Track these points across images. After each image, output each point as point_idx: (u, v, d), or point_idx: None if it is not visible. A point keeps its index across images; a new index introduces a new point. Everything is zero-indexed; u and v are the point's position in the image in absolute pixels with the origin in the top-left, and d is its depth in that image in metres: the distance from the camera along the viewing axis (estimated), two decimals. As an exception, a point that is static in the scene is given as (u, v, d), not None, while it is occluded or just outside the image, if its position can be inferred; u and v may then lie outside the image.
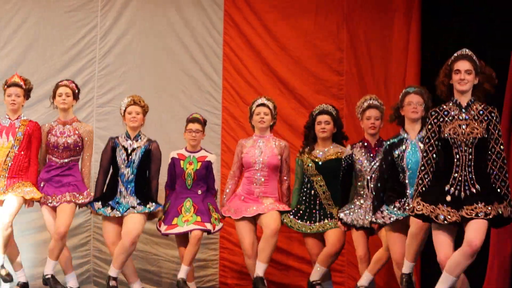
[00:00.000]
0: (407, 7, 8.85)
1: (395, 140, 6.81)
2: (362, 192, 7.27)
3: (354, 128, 8.51)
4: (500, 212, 5.79)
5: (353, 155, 7.34)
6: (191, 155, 7.84)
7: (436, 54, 8.26)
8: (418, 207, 5.94)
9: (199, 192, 7.77)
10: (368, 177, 7.21)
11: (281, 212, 7.60)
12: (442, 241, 5.91)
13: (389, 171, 6.79)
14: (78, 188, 7.60)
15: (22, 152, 7.59)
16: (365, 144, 7.34)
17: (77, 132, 7.68)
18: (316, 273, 7.46)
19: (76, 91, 7.75)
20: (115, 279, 7.49)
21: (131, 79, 8.97)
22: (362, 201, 7.24)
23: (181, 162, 7.80)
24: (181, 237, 7.74)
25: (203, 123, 7.90)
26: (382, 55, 8.91)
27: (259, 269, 7.43)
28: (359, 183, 7.31)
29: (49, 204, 7.54)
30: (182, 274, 7.57)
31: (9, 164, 7.54)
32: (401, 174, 6.73)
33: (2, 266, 7.41)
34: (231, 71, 9.06)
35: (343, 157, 7.42)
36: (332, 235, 7.42)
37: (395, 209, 6.66)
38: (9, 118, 7.64)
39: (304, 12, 9.09)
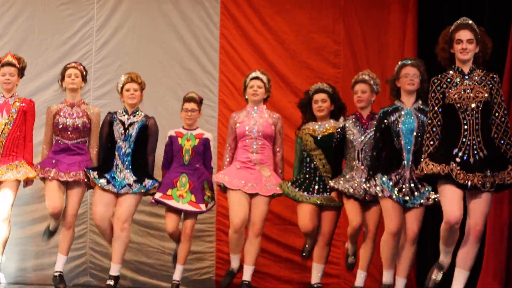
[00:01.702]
0: (404, 0, 8.85)
1: (389, 108, 6.84)
2: (353, 164, 7.28)
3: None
4: (506, 181, 5.85)
5: (346, 127, 7.37)
6: (188, 132, 7.88)
7: (432, 46, 8.24)
8: (428, 166, 5.92)
9: (197, 165, 7.79)
10: (359, 149, 7.24)
11: (275, 195, 7.59)
12: (452, 197, 5.85)
13: (384, 138, 6.76)
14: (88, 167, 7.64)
15: (17, 129, 7.60)
16: (357, 116, 7.39)
17: (86, 113, 7.71)
18: (316, 273, 7.48)
19: (84, 73, 7.81)
20: (115, 278, 7.51)
21: (127, 71, 8.94)
22: (353, 173, 7.25)
23: (179, 139, 7.84)
24: (171, 208, 7.73)
25: (199, 102, 7.95)
26: (378, 48, 8.92)
27: (247, 273, 7.49)
28: (350, 155, 7.32)
29: (61, 179, 7.52)
30: (177, 275, 7.66)
31: (4, 142, 7.54)
32: (395, 140, 6.70)
33: None
34: (227, 64, 9.05)
35: (336, 129, 7.45)
36: (326, 220, 7.43)
37: (391, 183, 6.63)
38: (3, 97, 7.66)
39: (301, 5, 9.09)
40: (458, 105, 5.94)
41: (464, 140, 5.90)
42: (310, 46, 9.04)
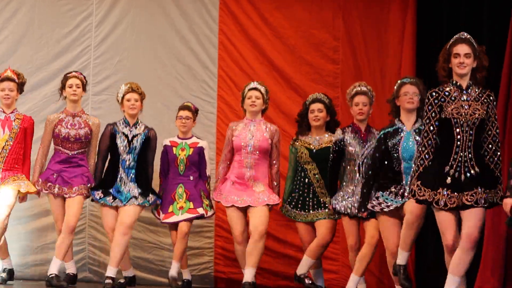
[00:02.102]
0: (403, -4, 8.87)
1: (390, 129, 6.81)
2: (353, 177, 7.28)
3: (349, 116, 8.43)
4: (495, 200, 5.88)
5: (345, 140, 7.36)
6: (183, 142, 7.92)
7: (432, 42, 8.26)
8: (420, 192, 5.96)
9: (191, 178, 7.86)
10: (360, 162, 7.22)
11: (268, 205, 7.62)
12: (446, 222, 5.91)
13: (383, 160, 6.78)
14: (89, 180, 7.69)
15: (18, 145, 7.63)
16: (355, 129, 7.37)
17: (87, 124, 7.72)
18: (304, 265, 7.49)
19: (85, 82, 7.82)
20: (112, 278, 7.54)
21: (126, 67, 8.97)
22: (353, 187, 7.26)
23: (174, 148, 7.89)
24: (173, 224, 7.87)
25: (194, 111, 7.99)
26: (377, 44, 8.90)
27: (248, 274, 7.47)
28: (348, 168, 7.32)
29: (65, 196, 7.56)
30: (173, 271, 7.72)
31: (5, 157, 7.56)
32: (395, 164, 6.73)
33: None
34: (226, 60, 9.04)
35: (333, 141, 7.43)
36: (322, 226, 7.44)
37: (392, 195, 6.66)
38: (3, 112, 7.65)
39: (300, 0, 9.07)
40: (455, 120, 5.94)
41: (455, 156, 5.91)
42: (309, 42, 9.03)
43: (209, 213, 7.86)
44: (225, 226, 8.69)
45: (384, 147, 6.77)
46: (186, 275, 7.97)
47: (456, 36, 6.06)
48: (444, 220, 5.92)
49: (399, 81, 6.92)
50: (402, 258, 6.54)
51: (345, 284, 8.49)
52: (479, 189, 5.84)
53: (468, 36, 6.04)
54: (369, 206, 6.78)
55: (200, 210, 7.77)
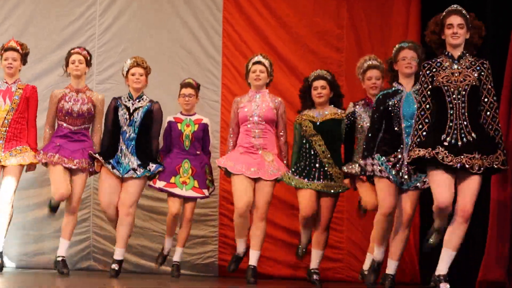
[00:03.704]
0: (408, -16, 8.83)
1: (389, 90, 6.80)
2: None
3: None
4: (494, 165, 5.89)
5: (356, 112, 7.37)
6: (187, 118, 7.96)
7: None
8: (414, 152, 5.97)
9: (198, 152, 7.89)
10: (364, 141, 7.20)
11: (278, 180, 7.61)
12: (440, 181, 5.92)
13: (382, 121, 6.75)
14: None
15: (20, 115, 7.63)
16: (368, 102, 7.37)
17: (91, 99, 7.72)
18: (314, 260, 7.49)
19: (89, 58, 7.81)
20: (119, 262, 7.59)
21: (131, 55, 8.82)
22: None
23: (178, 124, 7.93)
24: (174, 195, 7.83)
25: (196, 87, 8.02)
26: (381, 32, 8.88)
27: (253, 258, 7.52)
28: (361, 140, 7.29)
29: (64, 165, 7.55)
30: (177, 256, 7.83)
31: (7, 127, 7.58)
32: (395, 123, 6.69)
33: (0, 254, 7.50)
34: (230, 48, 9.04)
35: (345, 114, 7.45)
36: (323, 207, 7.42)
37: (389, 164, 6.61)
38: (6, 82, 7.68)
39: (304, -12, 9.07)
40: (445, 88, 6.00)
41: (450, 124, 5.96)
42: (314, 30, 9.02)
43: (210, 189, 7.92)
44: (229, 215, 8.70)
45: (383, 107, 6.73)
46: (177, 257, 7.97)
47: (449, 8, 6.15)
48: (439, 179, 5.92)
49: (397, 45, 6.91)
50: (392, 268, 6.70)
51: (349, 272, 8.53)
52: (476, 155, 5.87)
53: (460, 8, 6.12)
54: (361, 162, 6.74)
55: (206, 192, 7.83)
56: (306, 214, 7.40)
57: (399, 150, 6.64)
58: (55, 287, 6.48)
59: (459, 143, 5.91)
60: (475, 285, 7.11)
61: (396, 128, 6.69)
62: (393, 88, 6.80)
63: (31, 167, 7.68)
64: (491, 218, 7.35)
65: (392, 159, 6.65)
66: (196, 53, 9.03)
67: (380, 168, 6.64)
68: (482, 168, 5.87)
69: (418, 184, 6.68)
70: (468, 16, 6.10)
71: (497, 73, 7.33)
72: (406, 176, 6.61)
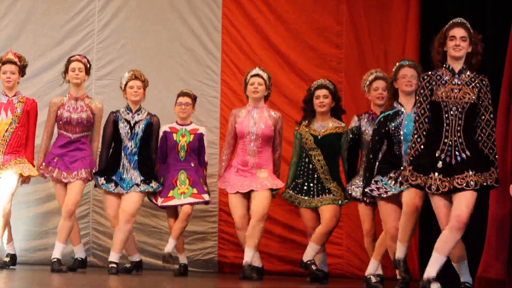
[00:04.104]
0: (407, -19, 8.82)
1: (390, 112, 6.77)
2: None
3: (353, 100, 8.53)
4: (488, 183, 5.89)
5: (361, 127, 7.37)
6: (183, 128, 7.94)
7: (435, 27, 8.21)
8: (412, 177, 5.99)
9: (192, 164, 7.89)
10: (365, 163, 7.19)
11: (273, 190, 7.67)
12: (441, 207, 5.95)
13: (383, 143, 6.74)
14: (90, 164, 7.70)
15: (21, 128, 7.65)
16: (371, 116, 7.37)
17: (90, 108, 7.73)
18: (310, 252, 7.49)
19: (88, 66, 7.81)
20: (115, 263, 7.62)
21: (130, 52, 8.97)
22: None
23: (174, 135, 7.90)
24: (172, 209, 7.92)
25: (193, 98, 8.01)
26: (381, 29, 8.87)
27: (248, 256, 7.51)
28: (365, 155, 7.29)
29: (64, 180, 7.59)
30: (169, 247, 7.77)
31: (8, 140, 7.59)
32: (396, 147, 6.70)
33: None
34: (230, 44, 9.03)
35: (350, 128, 7.44)
36: (326, 212, 7.42)
37: (391, 181, 6.62)
38: (6, 96, 7.67)
39: (303, -16, 9.06)
40: (444, 103, 5.97)
41: (445, 140, 5.94)
42: (313, 27, 9.00)
43: (206, 197, 7.88)
44: (228, 211, 8.69)
45: (384, 130, 6.73)
46: (183, 259, 7.97)
47: (453, 20, 6.11)
48: (439, 205, 5.96)
49: (397, 64, 6.91)
50: (401, 251, 6.55)
51: (349, 268, 8.54)
52: (470, 172, 5.86)
53: (464, 21, 6.08)
54: (367, 189, 6.74)
55: (206, 196, 7.82)
56: (310, 233, 7.50)
57: (399, 169, 6.60)
58: (55, 283, 6.48)
59: (453, 161, 5.90)
60: (475, 282, 7.11)
61: (396, 152, 6.69)
62: (394, 110, 6.77)
63: (26, 180, 7.71)
64: (490, 214, 7.37)
65: (392, 174, 6.64)
66: (195, 50, 9.03)
67: (385, 189, 6.62)
68: (478, 185, 5.86)
69: None
70: (471, 30, 6.04)
71: (497, 73, 7.35)
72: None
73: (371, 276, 7.01)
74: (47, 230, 8.68)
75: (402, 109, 6.73)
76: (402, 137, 6.65)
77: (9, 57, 7.70)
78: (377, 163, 6.74)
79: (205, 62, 9.03)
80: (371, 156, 6.81)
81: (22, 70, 7.77)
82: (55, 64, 8.69)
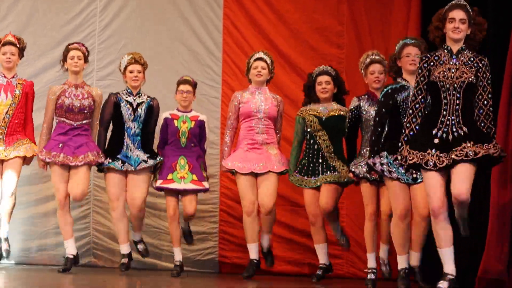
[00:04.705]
0: (408, -20, 8.81)
1: (396, 85, 6.72)
2: None
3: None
4: (490, 152, 5.83)
5: (361, 106, 7.36)
6: (184, 115, 7.94)
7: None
8: (410, 156, 5.97)
9: (193, 148, 7.89)
10: (371, 136, 7.18)
11: (285, 171, 7.72)
12: (433, 186, 5.90)
13: (388, 116, 6.69)
14: (95, 148, 7.71)
15: (20, 110, 7.69)
16: (371, 96, 7.36)
17: (91, 94, 7.73)
18: (322, 254, 7.60)
19: (87, 53, 7.82)
20: (140, 241, 7.86)
21: (131, 51, 8.94)
22: None
23: (175, 121, 7.91)
24: (172, 191, 7.85)
25: (194, 84, 8.01)
26: (382, 29, 8.86)
27: (265, 242, 7.73)
28: (367, 134, 7.27)
29: (71, 164, 7.56)
30: (177, 257, 7.85)
31: (8, 122, 7.62)
32: (402, 119, 6.60)
33: (6, 239, 7.52)
34: (231, 44, 9.03)
35: (349, 108, 7.44)
36: (323, 195, 7.45)
37: (397, 163, 6.52)
38: (5, 77, 7.71)
39: (305, -15, 9.06)
40: (441, 83, 5.98)
41: (443, 119, 5.94)
42: (314, 27, 9.00)
43: (206, 184, 7.88)
44: (229, 211, 8.71)
45: (392, 102, 6.68)
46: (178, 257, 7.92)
47: (452, 2, 6.09)
48: (433, 183, 5.90)
49: (401, 42, 6.88)
50: (415, 259, 6.64)
51: (349, 269, 8.53)
52: (468, 143, 5.83)
53: (464, 3, 6.06)
54: (370, 161, 6.65)
55: (206, 184, 7.84)
56: (311, 221, 7.53)
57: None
58: (56, 284, 6.50)
59: (450, 137, 5.90)
60: (475, 282, 7.11)
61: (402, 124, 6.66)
62: (399, 84, 6.74)
63: (27, 161, 7.72)
64: (491, 215, 7.35)
65: (399, 157, 6.60)
66: (196, 49, 9.03)
67: (389, 168, 6.59)
68: (477, 155, 5.80)
69: None
70: (471, 11, 6.05)
71: (498, 72, 7.33)
72: (415, 173, 6.54)
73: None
74: (46, 230, 8.68)
75: (408, 84, 6.68)
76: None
77: (9, 39, 7.76)
78: (383, 138, 6.69)
79: (206, 62, 9.03)
80: (379, 129, 6.69)
81: (21, 52, 7.82)
82: (56, 64, 8.64)
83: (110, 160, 7.68)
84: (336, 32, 8.96)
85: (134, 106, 7.78)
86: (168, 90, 8.68)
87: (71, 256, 7.62)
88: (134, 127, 7.76)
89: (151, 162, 7.72)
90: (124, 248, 7.73)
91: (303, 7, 9.03)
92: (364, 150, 7.28)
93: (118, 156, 7.69)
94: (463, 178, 5.84)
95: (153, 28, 9.07)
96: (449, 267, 5.95)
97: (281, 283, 7.73)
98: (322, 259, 7.62)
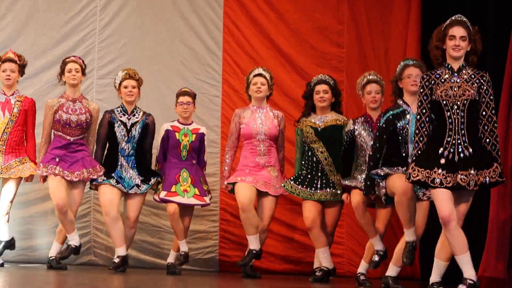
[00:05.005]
0: (408, -20, 8.82)
1: (398, 111, 6.75)
2: (363, 168, 7.25)
3: (354, 100, 8.51)
4: (487, 180, 5.88)
5: (355, 130, 7.35)
6: (185, 127, 7.94)
7: (437, 26, 8.20)
8: (414, 173, 5.97)
9: (193, 162, 7.90)
10: (370, 153, 7.19)
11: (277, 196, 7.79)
12: (442, 197, 5.89)
13: (387, 141, 6.72)
14: (91, 163, 7.69)
15: (19, 128, 7.69)
16: (367, 119, 7.35)
17: (88, 109, 7.74)
18: (326, 259, 7.58)
19: (84, 66, 7.82)
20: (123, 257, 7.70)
21: (131, 51, 8.97)
22: (363, 176, 7.21)
23: (176, 134, 7.90)
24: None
25: (193, 95, 8.00)
26: (382, 28, 8.87)
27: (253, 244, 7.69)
28: (360, 158, 7.31)
29: (66, 178, 7.58)
30: (183, 248, 7.81)
31: (6, 140, 7.62)
32: (402, 147, 6.68)
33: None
34: (231, 43, 9.03)
35: (345, 131, 7.43)
36: (329, 216, 7.55)
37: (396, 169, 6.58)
38: (4, 94, 7.70)
39: (305, -16, 9.06)
40: (444, 102, 5.96)
41: (448, 139, 5.93)
42: (314, 26, 9.01)
43: (207, 199, 7.90)
44: (230, 210, 8.71)
45: (392, 128, 6.72)
46: (184, 248, 7.94)
47: (453, 18, 6.08)
48: (441, 195, 5.90)
49: (402, 63, 6.90)
50: (409, 235, 6.58)
51: (350, 267, 8.53)
52: (473, 171, 5.85)
53: (465, 19, 6.04)
54: (373, 171, 6.67)
55: (207, 199, 7.85)
56: (310, 226, 7.50)
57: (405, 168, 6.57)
58: (55, 282, 6.50)
59: (456, 157, 5.89)
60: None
61: (403, 152, 6.67)
62: (400, 109, 6.75)
63: (29, 178, 7.76)
64: (491, 214, 7.36)
65: (401, 168, 6.60)
66: (196, 48, 9.03)
67: (392, 170, 6.61)
68: (477, 185, 5.87)
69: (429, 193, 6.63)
70: (471, 28, 6.02)
71: (498, 73, 7.34)
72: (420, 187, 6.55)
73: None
74: (44, 229, 8.66)
75: (408, 109, 6.70)
76: (408, 138, 6.63)
77: (9, 56, 7.74)
78: (381, 162, 6.71)
79: (207, 61, 9.03)
80: (377, 155, 6.72)
81: (21, 69, 7.81)
82: (56, 63, 8.64)
83: (104, 178, 7.70)
84: (336, 31, 8.96)
85: (128, 127, 7.77)
86: (169, 90, 8.69)
87: (74, 246, 7.65)
88: (128, 148, 7.78)
89: (143, 187, 7.75)
90: (121, 251, 7.69)
91: (303, 6, 9.03)
92: (356, 172, 7.33)
93: (113, 174, 7.72)
94: (461, 210, 5.95)
95: (153, 27, 9.06)
96: (468, 271, 5.93)
97: (281, 282, 7.73)
98: (325, 262, 7.59)
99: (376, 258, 7.12)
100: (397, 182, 6.52)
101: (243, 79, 8.32)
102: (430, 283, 6.13)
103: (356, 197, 7.15)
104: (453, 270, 6.23)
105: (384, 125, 6.77)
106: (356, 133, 7.35)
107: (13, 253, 8.42)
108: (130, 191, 7.70)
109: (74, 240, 7.68)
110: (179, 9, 9.07)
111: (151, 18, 9.07)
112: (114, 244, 7.80)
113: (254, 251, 7.64)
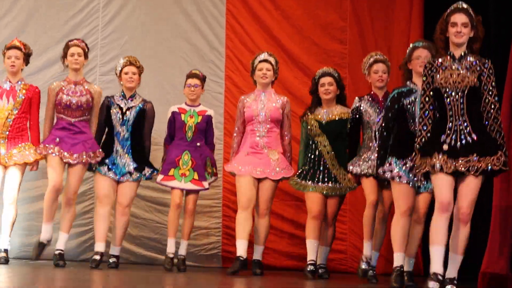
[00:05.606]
0: (411, -24, 8.83)
1: (404, 89, 6.75)
2: (370, 145, 7.26)
3: (356, 95, 8.48)
4: (490, 167, 5.85)
5: (361, 107, 7.36)
6: (191, 109, 7.96)
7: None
8: (422, 166, 5.97)
9: (198, 144, 7.89)
10: (375, 129, 7.19)
11: (283, 178, 7.70)
12: (442, 182, 5.89)
13: (395, 119, 6.71)
14: (92, 147, 7.70)
15: (23, 115, 7.70)
16: (373, 97, 7.36)
17: (89, 92, 7.75)
18: (321, 256, 7.58)
19: (87, 50, 7.82)
20: (116, 257, 7.76)
21: (134, 47, 8.97)
22: (369, 153, 7.22)
23: (182, 115, 7.92)
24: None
25: (202, 78, 8.01)
26: (385, 24, 8.89)
27: (257, 253, 7.67)
28: (365, 135, 7.31)
29: (64, 160, 7.59)
30: (182, 250, 7.84)
31: (9, 127, 7.63)
32: (410, 123, 6.63)
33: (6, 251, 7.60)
34: (234, 40, 9.05)
35: (351, 109, 7.45)
36: (330, 206, 7.54)
37: (406, 169, 6.56)
38: (9, 82, 7.70)
39: (307, -20, 9.07)
40: (444, 89, 5.97)
41: (450, 125, 5.94)
42: (317, 23, 9.02)
43: (209, 180, 7.90)
44: (232, 206, 8.71)
45: (397, 106, 6.70)
46: (183, 251, 7.94)
47: (454, 5, 6.08)
48: (441, 181, 5.89)
49: (411, 45, 6.90)
50: (398, 259, 6.60)
51: (353, 264, 8.54)
52: (474, 157, 5.85)
53: (466, 6, 6.05)
54: (379, 170, 6.67)
55: (205, 184, 7.83)
56: (314, 214, 7.48)
57: (413, 152, 6.55)
58: (56, 279, 6.50)
59: (458, 144, 5.90)
60: (478, 277, 7.12)
61: (410, 128, 6.66)
62: (407, 87, 6.76)
63: (34, 165, 7.76)
64: (494, 210, 7.36)
65: (409, 162, 6.59)
66: (199, 45, 9.04)
67: (398, 173, 6.58)
68: (479, 171, 5.84)
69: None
70: (473, 15, 6.02)
71: (499, 72, 7.33)
72: (423, 179, 6.54)
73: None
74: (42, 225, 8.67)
75: (416, 88, 6.70)
76: (416, 113, 6.58)
77: (14, 43, 7.78)
78: (390, 144, 6.69)
79: (209, 58, 9.04)
80: (385, 133, 6.73)
81: (26, 57, 7.83)
82: (58, 60, 8.67)
83: (98, 165, 7.73)
84: (339, 28, 8.98)
85: (124, 110, 7.79)
86: (172, 86, 8.70)
87: (45, 242, 7.69)
88: (123, 131, 7.78)
89: (135, 175, 7.76)
90: (100, 246, 7.71)
91: (306, 3, 9.05)
92: (362, 151, 7.33)
93: (106, 161, 7.73)
94: (468, 196, 5.90)
95: (155, 23, 9.08)
96: (437, 266, 5.92)
97: (284, 278, 7.73)
98: (321, 259, 7.60)
99: (363, 265, 7.14)
100: (401, 200, 6.57)
101: (246, 75, 8.33)
102: (445, 277, 6.01)
103: (370, 196, 7.18)
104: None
105: (389, 104, 6.77)
106: (362, 110, 7.35)
107: (17, 249, 8.45)
108: (120, 179, 7.72)
109: (47, 232, 7.69)
110: (181, 6, 9.09)
111: (153, 15, 9.09)
112: (95, 237, 7.79)
113: (241, 258, 7.51)
